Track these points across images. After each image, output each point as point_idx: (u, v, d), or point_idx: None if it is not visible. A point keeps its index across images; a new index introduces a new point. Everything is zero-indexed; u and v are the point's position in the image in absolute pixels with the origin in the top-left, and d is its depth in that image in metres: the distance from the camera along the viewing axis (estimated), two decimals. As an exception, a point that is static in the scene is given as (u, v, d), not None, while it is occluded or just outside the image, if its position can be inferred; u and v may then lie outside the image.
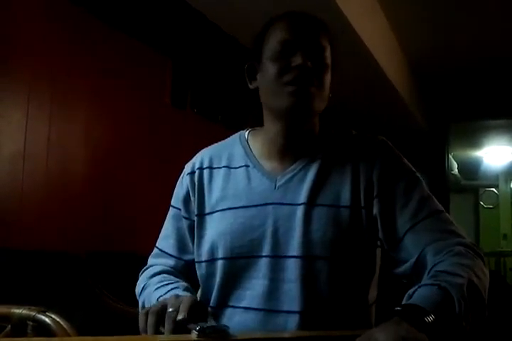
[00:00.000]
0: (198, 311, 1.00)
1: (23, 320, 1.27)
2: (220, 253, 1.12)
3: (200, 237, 1.18)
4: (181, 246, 1.23)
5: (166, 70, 3.39)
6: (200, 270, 1.17)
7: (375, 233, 1.12)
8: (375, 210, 1.10)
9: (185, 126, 3.46)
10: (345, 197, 1.11)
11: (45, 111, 2.50)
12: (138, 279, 1.26)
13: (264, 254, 1.09)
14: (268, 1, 3.22)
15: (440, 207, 1.13)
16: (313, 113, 1.15)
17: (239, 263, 1.11)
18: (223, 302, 1.12)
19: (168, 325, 0.96)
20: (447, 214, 1.13)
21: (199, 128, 3.40)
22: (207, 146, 1.30)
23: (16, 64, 2.39)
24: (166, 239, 1.25)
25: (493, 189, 10.79)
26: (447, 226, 1.09)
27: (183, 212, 1.22)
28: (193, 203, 1.21)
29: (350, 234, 1.09)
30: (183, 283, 1.16)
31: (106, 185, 2.86)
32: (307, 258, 1.07)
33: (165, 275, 1.20)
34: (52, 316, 1.28)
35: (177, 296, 1.04)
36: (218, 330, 0.86)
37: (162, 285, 1.16)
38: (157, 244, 1.28)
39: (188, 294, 1.08)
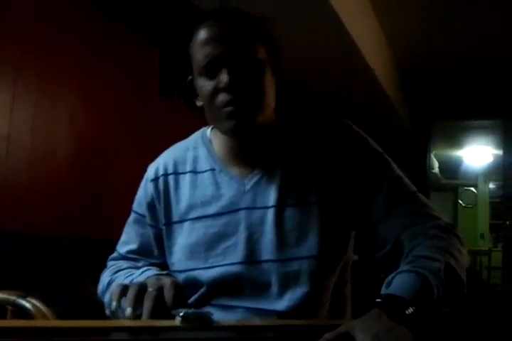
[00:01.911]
0: (180, 294, 0.99)
1: (2, 304, 1.26)
2: (196, 264, 1.09)
3: (171, 247, 1.14)
4: (144, 252, 1.19)
5: (155, 59, 3.37)
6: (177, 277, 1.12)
7: (349, 222, 1.10)
8: (347, 199, 1.08)
9: (171, 116, 3.45)
10: (314, 192, 1.08)
11: (31, 96, 2.48)
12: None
13: (240, 261, 1.07)
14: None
15: (412, 187, 1.10)
16: (259, 125, 1.07)
17: (216, 271, 1.07)
18: (204, 303, 1.10)
19: (147, 303, 0.94)
20: (420, 194, 1.11)
21: (185, 119, 3.39)
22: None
23: (3, 47, 2.36)
24: (128, 244, 1.21)
25: (472, 188, 10.93)
26: (421, 208, 1.08)
27: (148, 220, 1.18)
28: (158, 211, 1.16)
29: (324, 230, 1.07)
30: (155, 267, 1.14)
31: (91, 171, 2.84)
32: (282, 260, 1.05)
33: (131, 270, 1.17)
34: (32, 301, 1.27)
35: (158, 278, 1.02)
36: (202, 317, 0.87)
37: (132, 273, 1.13)
38: (118, 249, 1.24)
39: (166, 275, 1.07)
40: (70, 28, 2.71)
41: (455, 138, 8.48)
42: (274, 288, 1.06)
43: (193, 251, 1.10)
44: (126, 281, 1.09)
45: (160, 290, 0.98)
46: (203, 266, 1.09)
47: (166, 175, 1.17)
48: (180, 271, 1.11)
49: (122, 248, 1.22)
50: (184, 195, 1.14)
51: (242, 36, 1.05)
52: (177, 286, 1.01)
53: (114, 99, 3.03)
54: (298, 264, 1.06)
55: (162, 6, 3.35)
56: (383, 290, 0.92)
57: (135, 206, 1.22)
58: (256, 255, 1.07)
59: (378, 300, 0.87)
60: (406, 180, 1.11)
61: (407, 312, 0.83)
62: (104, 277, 1.20)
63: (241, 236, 1.08)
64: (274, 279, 1.06)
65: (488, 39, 4.87)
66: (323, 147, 1.11)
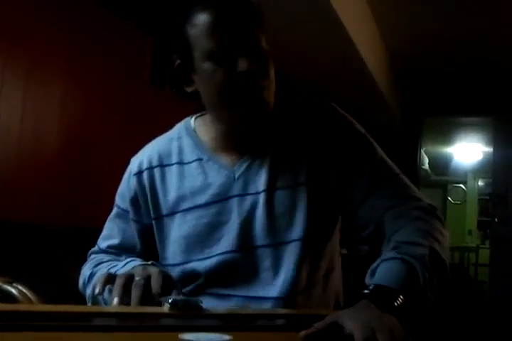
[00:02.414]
0: (168, 283, 0.98)
1: (-12, 290, 1.25)
2: (189, 257, 1.08)
3: (163, 240, 1.12)
4: (126, 248, 1.16)
5: (147, 48, 3.35)
6: (170, 272, 1.10)
7: (335, 204, 1.10)
8: (331, 180, 1.08)
9: (163, 105, 3.43)
10: (302, 174, 1.08)
11: (19, 82, 2.45)
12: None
13: (234, 249, 1.06)
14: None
15: (395, 169, 1.11)
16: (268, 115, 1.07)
17: (212, 261, 1.07)
18: (200, 292, 1.09)
19: (136, 292, 0.93)
20: (403, 176, 1.11)
21: (177, 108, 3.37)
22: None
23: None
24: (110, 239, 1.19)
25: (462, 185, 10.99)
26: (404, 190, 1.08)
27: (131, 215, 1.15)
28: (142, 205, 1.14)
29: (312, 212, 1.06)
30: (139, 259, 1.12)
31: (80, 160, 2.82)
32: (275, 245, 1.05)
33: (113, 262, 1.15)
34: (19, 287, 1.27)
35: (144, 267, 1.01)
36: (191, 304, 0.86)
37: (115, 265, 1.11)
38: (99, 243, 1.21)
39: (152, 265, 1.05)
40: (59, 14, 2.68)
41: (446, 135, 8.51)
42: (268, 274, 1.06)
43: (188, 243, 1.08)
44: (112, 271, 1.06)
45: (147, 279, 0.96)
46: (199, 257, 1.07)
47: (150, 168, 1.14)
48: (176, 265, 1.10)
49: (103, 242, 1.20)
50: (172, 187, 1.12)
51: (253, 22, 1.03)
52: (165, 275, 1.00)
53: (105, 87, 3.00)
54: (287, 248, 1.05)
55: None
56: (368, 279, 0.91)
57: (117, 200, 1.20)
58: (250, 241, 1.06)
59: (366, 291, 0.86)
60: (389, 162, 1.12)
61: (395, 303, 0.83)
62: (85, 270, 1.17)
63: (234, 223, 1.07)
64: (267, 264, 1.06)
65: (480, 37, 4.88)
66: (309, 129, 1.11)
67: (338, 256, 1.19)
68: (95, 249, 1.22)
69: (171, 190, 1.12)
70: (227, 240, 1.07)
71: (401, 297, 0.84)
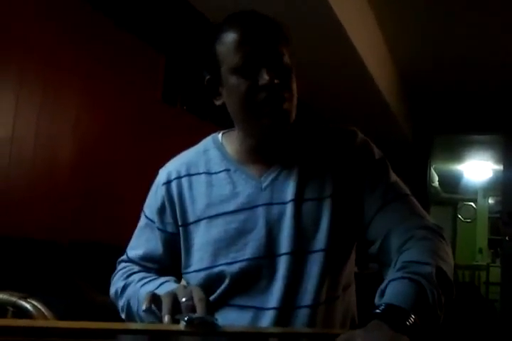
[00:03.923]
0: (208, 303, 0.99)
1: (3, 305, 1.26)
2: (215, 261, 1.10)
3: (189, 248, 1.14)
4: (151, 257, 1.19)
5: (159, 66, 3.39)
6: (191, 280, 1.13)
7: (354, 219, 1.13)
8: (348, 195, 1.13)
9: (174, 122, 3.46)
10: (328, 187, 1.12)
11: (35, 99, 2.49)
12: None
13: (260, 256, 1.09)
14: (267, 4, 3.24)
15: (407, 191, 1.15)
16: (290, 125, 1.12)
17: (238, 267, 1.09)
18: (222, 303, 1.11)
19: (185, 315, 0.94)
20: (413, 197, 1.15)
21: (188, 125, 3.40)
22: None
23: (8, 51, 2.37)
24: (136, 249, 1.22)
25: (472, 203, 10.93)
26: (412, 209, 1.12)
27: (157, 224, 1.18)
28: (169, 214, 1.17)
29: (335, 223, 1.10)
30: (172, 277, 1.15)
31: (93, 175, 2.85)
32: (300, 253, 1.08)
33: (144, 273, 1.18)
34: (33, 302, 1.27)
35: (185, 287, 1.03)
36: (206, 322, 0.87)
37: (149, 281, 1.14)
38: (127, 252, 1.25)
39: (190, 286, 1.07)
40: (74, 33, 2.73)
41: (456, 153, 8.49)
42: (288, 282, 1.07)
43: (215, 248, 1.11)
44: (148, 289, 1.09)
45: (191, 300, 0.98)
46: (225, 262, 1.10)
47: (179, 177, 1.18)
48: (202, 269, 1.12)
49: (130, 251, 1.23)
50: (200, 195, 1.15)
51: (276, 38, 1.09)
52: (205, 297, 1.01)
53: (118, 104, 3.04)
54: (311, 258, 1.09)
55: (168, 13, 3.37)
56: (377, 300, 0.92)
57: (145, 211, 1.23)
58: (275, 249, 1.09)
59: (378, 310, 0.86)
60: (402, 184, 1.17)
61: (407, 322, 0.83)
62: (117, 280, 1.20)
63: (261, 231, 1.10)
64: (289, 273, 1.08)
65: (490, 55, 4.90)
66: (334, 149, 1.17)
67: (353, 274, 1.21)
68: (124, 257, 1.25)
69: (199, 198, 1.15)
70: (252, 247, 1.10)
71: (412, 316, 0.84)
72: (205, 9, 3.38)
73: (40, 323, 0.99)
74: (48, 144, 2.57)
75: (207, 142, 1.23)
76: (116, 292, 1.18)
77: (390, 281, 0.93)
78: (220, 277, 1.10)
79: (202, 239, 1.13)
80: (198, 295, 0.99)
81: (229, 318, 1.05)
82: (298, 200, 1.11)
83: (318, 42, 3.66)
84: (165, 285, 1.09)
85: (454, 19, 4.27)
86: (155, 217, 1.19)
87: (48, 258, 2.22)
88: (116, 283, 1.19)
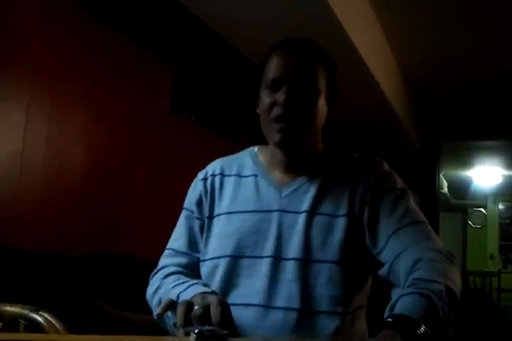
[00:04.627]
0: (226, 312, 1.05)
1: (15, 318, 1.27)
2: (226, 251, 1.20)
3: (208, 238, 1.27)
4: (192, 244, 1.30)
5: (167, 77, 3.41)
6: (204, 268, 1.24)
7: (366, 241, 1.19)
8: (365, 218, 1.19)
9: (182, 133, 3.48)
10: (343, 208, 1.20)
11: (44, 112, 2.51)
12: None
13: (266, 255, 1.17)
14: (269, 15, 3.27)
15: (423, 218, 1.20)
16: (304, 143, 1.23)
17: (242, 261, 1.19)
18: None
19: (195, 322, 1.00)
20: (429, 226, 1.20)
21: (196, 136, 3.42)
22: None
23: (18, 64, 2.40)
24: (178, 239, 1.32)
25: (482, 209, 10.85)
26: (425, 234, 1.16)
27: (196, 214, 1.31)
28: (205, 206, 1.30)
29: (347, 240, 1.17)
30: (200, 280, 1.22)
31: (103, 187, 2.86)
32: (306, 260, 1.15)
33: (178, 275, 1.26)
34: (45, 315, 1.28)
35: (203, 296, 1.08)
36: (216, 334, 0.87)
37: (180, 283, 1.21)
38: (169, 246, 1.34)
39: (211, 293, 1.12)
40: (83, 45, 2.75)
41: (464, 158, 8.45)
42: (293, 285, 1.14)
43: (227, 239, 1.21)
44: (176, 291, 1.17)
45: (206, 308, 1.03)
46: (232, 254, 1.19)
47: (213, 175, 1.32)
48: (212, 259, 1.22)
49: (173, 243, 1.33)
50: (227, 195, 1.28)
51: (308, 65, 1.21)
52: (223, 304, 1.06)
53: (126, 116, 3.06)
54: (320, 267, 1.15)
55: (176, 26, 3.40)
56: (387, 313, 0.92)
57: (186, 204, 1.35)
58: (283, 253, 1.17)
59: (389, 319, 0.87)
60: (419, 212, 1.22)
61: (419, 331, 0.84)
62: (155, 281, 1.29)
63: (272, 233, 1.19)
64: (294, 276, 1.14)
65: (497, 60, 4.89)
66: (357, 175, 1.24)
67: (365, 299, 1.25)
68: (166, 253, 1.34)
69: (226, 196, 1.28)
70: (262, 246, 1.19)
71: (423, 326, 0.85)
72: (212, 22, 3.42)
73: (51, 337, 1.00)
74: (57, 157, 2.59)
75: (244, 151, 1.38)
76: (152, 292, 1.27)
77: (400, 296, 0.95)
78: (221, 266, 1.20)
79: (219, 231, 1.25)
80: (215, 302, 1.03)
81: (233, 316, 1.10)
82: (311, 213, 1.19)
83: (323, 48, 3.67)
84: (192, 288, 1.16)
85: (460, 25, 4.27)
86: (194, 208, 1.32)
87: (58, 271, 2.23)
88: (153, 284, 1.28)
